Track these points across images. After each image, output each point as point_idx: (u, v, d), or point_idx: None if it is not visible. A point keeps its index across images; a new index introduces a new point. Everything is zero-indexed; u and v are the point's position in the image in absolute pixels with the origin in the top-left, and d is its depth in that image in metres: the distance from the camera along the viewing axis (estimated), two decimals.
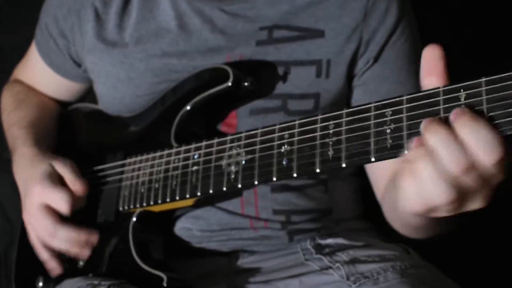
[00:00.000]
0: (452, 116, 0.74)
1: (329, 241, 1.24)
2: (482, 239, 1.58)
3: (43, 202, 1.19)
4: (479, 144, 0.72)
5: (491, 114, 0.74)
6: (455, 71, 0.79)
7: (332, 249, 1.22)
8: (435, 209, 0.77)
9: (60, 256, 1.24)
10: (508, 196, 1.56)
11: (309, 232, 1.24)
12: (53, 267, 1.25)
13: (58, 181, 1.21)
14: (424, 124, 0.75)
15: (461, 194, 0.75)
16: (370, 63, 1.20)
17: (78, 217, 1.22)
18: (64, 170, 1.22)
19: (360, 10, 1.18)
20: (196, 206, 1.16)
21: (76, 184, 1.21)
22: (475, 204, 0.77)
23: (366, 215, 1.35)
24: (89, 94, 1.44)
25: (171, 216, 1.21)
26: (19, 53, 1.50)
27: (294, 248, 1.24)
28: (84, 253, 1.22)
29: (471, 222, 1.57)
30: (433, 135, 0.74)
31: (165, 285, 1.11)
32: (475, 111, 0.74)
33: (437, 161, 0.73)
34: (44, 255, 1.24)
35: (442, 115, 0.78)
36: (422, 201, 0.76)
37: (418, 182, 0.75)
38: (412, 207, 0.78)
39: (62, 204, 1.18)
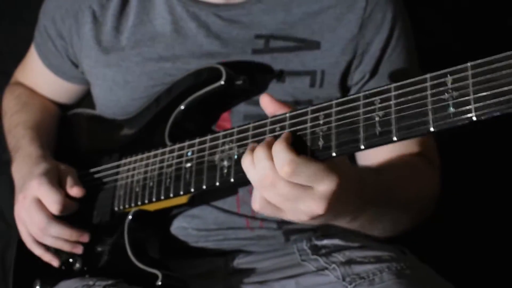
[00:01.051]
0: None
1: (326, 242, 1.24)
2: (479, 240, 1.58)
3: (37, 197, 1.19)
4: (276, 161, 0.86)
5: (477, 95, 0.74)
6: None
7: (329, 250, 1.22)
8: (276, 209, 0.91)
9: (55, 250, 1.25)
10: (507, 197, 1.56)
11: (305, 232, 1.24)
12: (50, 259, 1.25)
13: (56, 181, 1.21)
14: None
15: (283, 199, 0.88)
16: (366, 78, 1.22)
17: (74, 218, 1.22)
18: (66, 173, 1.23)
19: (357, 21, 1.19)
20: (191, 204, 1.16)
21: (73, 189, 1.21)
22: (310, 208, 0.88)
23: None
24: (85, 98, 1.45)
25: (167, 215, 1.21)
26: (18, 55, 1.52)
27: (291, 249, 1.24)
28: (76, 251, 1.22)
29: (469, 222, 1.57)
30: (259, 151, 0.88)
31: (159, 283, 1.11)
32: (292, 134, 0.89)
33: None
34: (36, 250, 1.24)
35: (429, 99, 0.78)
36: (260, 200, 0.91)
37: None
38: (253, 206, 0.93)
39: (54, 204, 1.18)
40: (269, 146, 0.87)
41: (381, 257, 1.17)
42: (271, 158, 0.86)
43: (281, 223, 1.22)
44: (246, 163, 0.89)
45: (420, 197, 1.18)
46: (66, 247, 1.22)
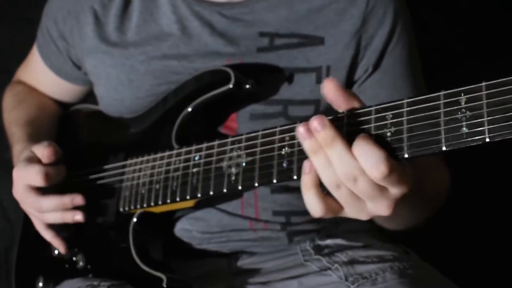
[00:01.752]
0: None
1: (328, 242, 1.24)
2: (482, 240, 1.59)
3: (23, 184, 1.19)
4: (365, 160, 0.79)
5: (491, 117, 0.75)
6: (456, 71, 0.80)
7: (331, 250, 1.22)
8: (337, 210, 0.85)
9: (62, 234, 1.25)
10: (508, 196, 1.58)
11: (309, 233, 1.25)
12: (58, 244, 1.25)
13: (32, 159, 1.19)
14: (321, 134, 0.81)
15: (357, 198, 0.82)
16: (369, 71, 1.21)
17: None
18: (38, 149, 1.20)
19: (359, 16, 1.19)
20: (196, 207, 1.16)
21: (43, 153, 1.18)
22: (377, 209, 0.83)
23: None
24: (90, 96, 1.44)
25: (172, 217, 1.21)
26: (20, 53, 1.51)
27: (294, 249, 1.24)
28: (78, 217, 1.21)
29: (471, 222, 1.59)
30: (329, 147, 0.81)
31: (164, 286, 1.12)
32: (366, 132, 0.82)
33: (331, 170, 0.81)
34: (47, 235, 1.24)
35: (442, 119, 0.78)
36: (323, 203, 0.84)
37: (315, 187, 0.84)
38: (315, 213, 0.85)
39: (36, 176, 1.16)
40: (343, 139, 0.80)
41: (384, 257, 1.18)
42: (352, 154, 0.80)
43: (285, 225, 1.22)
44: (320, 163, 0.81)
45: (440, 188, 1.18)
46: (67, 217, 1.21)
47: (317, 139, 0.81)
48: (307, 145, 0.82)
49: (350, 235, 1.26)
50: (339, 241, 1.24)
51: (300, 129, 0.81)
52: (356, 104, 0.85)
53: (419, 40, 1.28)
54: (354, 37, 1.19)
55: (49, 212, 1.20)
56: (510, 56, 1.48)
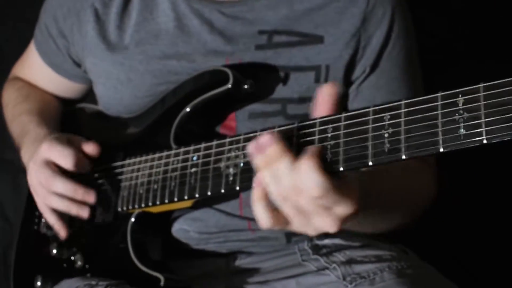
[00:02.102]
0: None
1: (326, 241, 1.24)
2: (480, 239, 1.59)
3: (47, 157, 1.19)
4: (308, 180, 0.81)
5: (488, 119, 0.75)
6: (455, 71, 0.80)
7: (329, 250, 1.22)
8: (285, 223, 0.87)
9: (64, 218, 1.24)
10: (507, 197, 1.58)
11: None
12: (60, 228, 1.24)
13: (66, 141, 1.21)
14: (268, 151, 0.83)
15: (303, 212, 0.84)
16: (366, 72, 1.21)
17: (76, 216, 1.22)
18: (76, 137, 1.24)
19: (359, 15, 1.19)
20: (194, 207, 1.16)
21: (89, 144, 1.22)
22: (323, 225, 0.86)
23: None
24: (90, 95, 1.44)
25: (170, 217, 1.21)
26: (20, 53, 1.51)
27: (292, 249, 1.24)
28: (83, 213, 1.21)
29: (470, 222, 1.58)
30: (283, 163, 0.83)
31: (162, 285, 1.12)
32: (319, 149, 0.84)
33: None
34: (50, 217, 1.24)
35: (439, 120, 0.78)
36: (270, 215, 0.87)
37: (264, 199, 0.87)
38: (263, 224, 0.88)
39: (67, 158, 1.18)
40: (292, 160, 0.83)
41: (382, 257, 1.18)
42: (295, 173, 0.82)
43: None
44: (267, 177, 0.84)
45: (415, 197, 1.18)
46: (72, 208, 1.21)
47: (265, 155, 0.83)
48: (256, 161, 0.84)
49: (348, 234, 1.25)
50: (337, 240, 1.24)
51: (250, 147, 0.84)
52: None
53: (418, 40, 1.27)
54: (354, 37, 1.19)
55: (57, 194, 1.20)
56: (509, 56, 1.48)
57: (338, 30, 1.19)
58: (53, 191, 1.20)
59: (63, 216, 1.24)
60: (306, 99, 1.19)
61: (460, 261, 1.53)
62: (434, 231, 1.37)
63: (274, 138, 0.83)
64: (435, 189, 1.23)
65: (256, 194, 0.86)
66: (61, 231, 1.25)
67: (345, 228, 1.05)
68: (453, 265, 1.29)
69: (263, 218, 0.86)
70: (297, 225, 0.87)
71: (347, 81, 1.22)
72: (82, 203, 1.21)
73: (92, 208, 1.25)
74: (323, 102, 0.86)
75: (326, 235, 1.25)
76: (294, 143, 0.89)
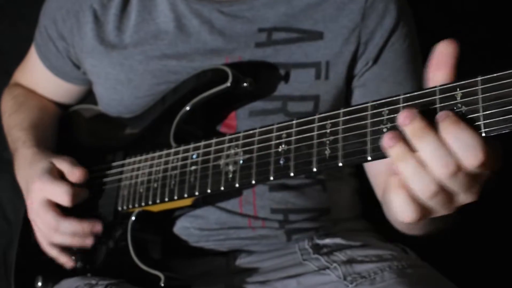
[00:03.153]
0: (437, 118, 0.75)
1: (327, 241, 1.24)
2: (481, 239, 1.58)
3: (44, 197, 1.19)
4: (463, 148, 0.72)
5: (486, 112, 0.75)
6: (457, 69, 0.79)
7: (330, 249, 1.22)
8: (428, 212, 0.78)
9: (69, 249, 1.24)
10: (508, 196, 1.57)
11: (307, 232, 1.24)
12: (65, 261, 1.24)
13: (57, 176, 1.21)
14: (410, 127, 0.75)
15: (450, 194, 0.76)
16: (369, 64, 1.21)
17: (77, 216, 1.22)
18: (62, 164, 1.22)
19: (359, 11, 1.19)
20: (195, 206, 1.16)
21: (74, 173, 1.20)
22: (466, 199, 0.78)
23: (364, 215, 1.36)
24: (89, 96, 1.44)
25: (170, 216, 1.21)
26: (19, 54, 1.51)
27: (292, 248, 1.24)
28: (87, 243, 1.22)
29: (470, 222, 1.58)
30: (421, 139, 0.74)
31: (162, 284, 1.12)
32: (456, 114, 0.75)
33: (423, 164, 0.74)
34: (52, 252, 1.24)
35: (438, 114, 0.78)
36: (414, 207, 0.76)
37: (405, 189, 0.76)
38: (405, 218, 0.78)
39: (63, 196, 1.18)
40: (434, 131, 0.74)
41: (382, 256, 1.18)
42: (445, 143, 0.73)
43: (283, 223, 1.22)
44: (400, 153, 0.74)
45: None
46: (76, 242, 1.21)
47: (402, 145, 0.75)
48: (393, 153, 0.76)
49: (348, 234, 1.26)
50: (337, 240, 1.24)
51: (385, 139, 0.76)
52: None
53: (419, 39, 1.27)
54: (354, 32, 1.19)
55: (64, 234, 1.20)
56: (511, 55, 1.48)
57: (337, 26, 1.19)
58: (60, 233, 1.20)
59: (63, 249, 1.24)
60: (307, 97, 1.20)
61: (460, 261, 1.52)
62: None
63: (414, 113, 0.75)
64: None
65: (394, 183, 0.76)
66: (68, 263, 1.24)
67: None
68: (453, 265, 1.29)
69: (406, 210, 0.76)
70: (441, 211, 0.77)
71: (348, 77, 1.22)
72: (88, 235, 1.22)
73: (93, 208, 1.25)
74: (440, 62, 0.78)
75: (327, 235, 1.25)
76: (293, 141, 0.90)
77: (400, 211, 0.77)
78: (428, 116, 0.76)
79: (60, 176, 1.21)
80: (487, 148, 0.72)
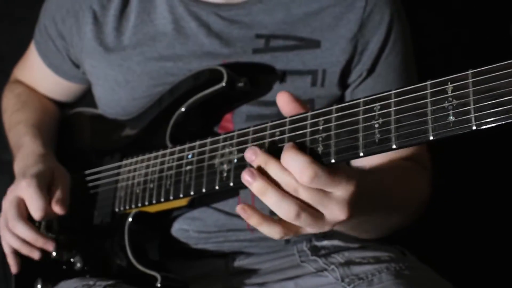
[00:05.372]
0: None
1: (325, 242, 1.24)
2: (479, 240, 1.58)
3: (21, 196, 1.19)
4: (296, 168, 0.82)
5: (477, 105, 0.74)
6: (453, 73, 0.79)
7: (328, 251, 1.22)
8: (301, 229, 0.88)
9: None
10: (506, 197, 1.57)
11: (306, 234, 1.24)
12: (12, 262, 1.24)
13: (45, 185, 1.20)
14: (256, 161, 0.86)
15: (313, 212, 0.85)
16: (363, 76, 1.22)
17: (75, 218, 1.22)
18: (59, 181, 1.22)
19: (356, 21, 1.20)
20: (191, 206, 1.16)
21: (58, 204, 1.19)
22: (333, 215, 0.86)
23: None
24: (86, 97, 1.45)
25: (168, 217, 1.22)
26: (18, 55, 1.51)
27: (290, 250, 1.24)
28: (33, 255, 1.21)
29: (469, 223, 1.57)
30: (267, 168, 0.85)
31: (159, 285, 1.12)
32: (296, 144, 0.86)
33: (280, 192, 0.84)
34: (6, 248, 1.23)
35: (429, 108, 0.78)
36: (279, 228, 0.87)
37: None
38: (274, 237, 0.88)
39: (36, 211, 1.17)
40: (274, 160, 0.85)
41: (380, 258, 1.18)
42: (284, 168, 0.84)
43: None
44: (260, 188, 0.84)
45: (410, 199, 1.17)
46: (24, 249, 1.21)
47: (260, 179, 0.84)
48: (255, 188, 0.85)
49: (346, 236, 1.25)
50: (335, 242, 1.24)
51: (245, 177, 0.85)
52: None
53: (417, 43, 1.28)
54: (351, 42, 1.20)
55: (15, 236, 1.20)
56: (508, 57, 1.48)
57: (334, 35, 1.20)
58: (13, 232, 1.20)
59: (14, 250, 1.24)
60: (302, 102, 1.19)
61: (457, 262, 1.52)
62: (431, 232, 1.36)
63: (255, 150, 0.86)
64: (429, 192, 1.22)
65: (254, 222, 0.87)
66: (13, 267, 1.24)
67: (347, 231, 1.07)
68: (450, 266, 1.29)
69: (273, 234, 0.87)
70: (308, 224, 0.86)
71: (343, 85, 1.22)
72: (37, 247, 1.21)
73: (90, 210, 1.25)
74: (284, 106, 0.90)
75: (324, 236, 1.25)
76: (286, 138, 0.89)
77: (270, 235, 0.88)
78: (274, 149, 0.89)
79: (48, 186, 1.20)
80: (315, 169, 0.81)
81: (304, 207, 0.84)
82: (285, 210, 0.84)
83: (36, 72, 1.45)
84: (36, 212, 1.17)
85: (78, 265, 1.25)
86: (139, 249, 1.18)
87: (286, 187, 0.83)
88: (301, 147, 0.86)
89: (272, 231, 0.87)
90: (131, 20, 1.26)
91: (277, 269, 1.22)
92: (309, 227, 0.87)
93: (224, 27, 1.22)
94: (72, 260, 1.26)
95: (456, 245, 1.53)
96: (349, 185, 0.84)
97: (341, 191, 0.84)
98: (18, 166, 1.28)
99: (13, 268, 1.25)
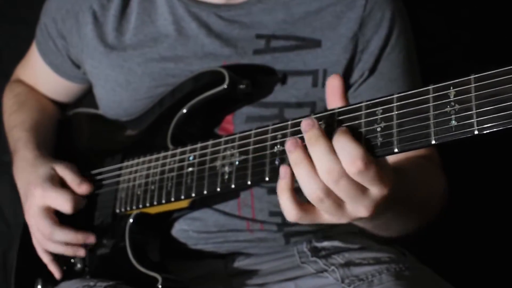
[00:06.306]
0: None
1: (325, 243, 1.24)
2: (479, 241, 1.59)
3: (45, 204, 1.20)
4: (346, 156, 0.80)
5: (479, 110, 0.75)
6: (455, 74, 0.80)
7: (328, 252, 1.22)
8: (317, 216, 0.86)
9: (59, 258, 1.25)
10: (507, 198, 1.57)
11: (306, 235, 1.24)
12: (53, 270, 1.25)
13: (59, 183, 1.22)
14: (308, 134, 0.82)
15: (337, 202, 0.83)
16: (365, 76, 1.22)
17: (76, 219, 1.22)
18: (65, 172, 1.23)
19: (357, 20, 1.19)
20: (192, 207, 1.16)
21: (81, 187, 1.22)
22: (356, 211, 0.84)
23: None
24: (86, 98, 1.45)
25: (168, 218, 1.22)
26: (18, 56, 1.51)
27: (291, 251, 1.24)
28: (80, 253, 1.23)
29: (468, 224, 1.58)
30: (314, 145, 0.82)
31: (160, 286, 1.12)
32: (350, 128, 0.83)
33: (314, 171, 0.82)
34: (44, 258, 1.25)
35: (431, 112, 0.78)
36: (296, 208, 0.85)
37: (290, 192, 0.85)
38: (288, 217, 0.86)
39: (65, 204, 1.19)
40: (327, 140, 0.81)
41: (380, 259, 1.18)
42: (334, 151, 0.81)
43: (282, 226, 1.22)
44: (297, 157, 0.82)
45: (430, 196, 1.16)
46: (69, 251, 1.22)
47: (300, 151, 0.82)
48: (293, 156, 0.83)
49: (346, 236, 1.26)
50: (336, 243, 1.24)
51: (288, 144, 0.83)
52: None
53: (418, 43, 1.28)
54: (352, 41, 1.20)
55: (57, 243, 1.21)
56: (508, 58, 1.48)
57: (335, 34, 1.20)
58: (53, 241, 1.21)
59: (58, 257, 1.25)
60: (304, 103, 1.20)
61: (457, 262, 1.52)
62: (432, 233, 1.35)
63: (314, 122, 0.82)
64: (446, 189, 1.20)
65: (281, 186, 0.85)
66: (56, 273, 1.25)
67: (370, 229, 1.06)
68: (451, 266, 1.29)
69: (290, 211, 0.85)
70: (328, 211, 0.84)
71: (345, 85, 1.22)
72: (81, 245, 1.23)
73: (91, 211, 1.26)
74: (332, 93, 0.88)
75: (325, 237, 1.25)
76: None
77: (285, 210, 0.86)
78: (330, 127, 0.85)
79: (60, 183, 1.22)
80: (368, 161, 0.79)
81: (332, 193, 0.82)
82: (312, 188, 0.81)
83: (37, 72, 1.45)
84: (67, 204, 1.19)
85: (79, 265, 1.25)
86: (140, 250, 1.18)
87: (325, 173, 0.80)
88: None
89: (289, 207, 0.85)
90: (132, 21, 1.26)
91: (277, 270, 1.22)
92: (327, 214, 0.85)
93: (224, 27, 1.22)
94: (72, 261, 1.26)
95: (456, 245, 1.54)
96: (385, 185, 0.82)
97: (377, 189, 0.82)
98: (17, 173, 1.29)
99: (57, 274, 1.25)
